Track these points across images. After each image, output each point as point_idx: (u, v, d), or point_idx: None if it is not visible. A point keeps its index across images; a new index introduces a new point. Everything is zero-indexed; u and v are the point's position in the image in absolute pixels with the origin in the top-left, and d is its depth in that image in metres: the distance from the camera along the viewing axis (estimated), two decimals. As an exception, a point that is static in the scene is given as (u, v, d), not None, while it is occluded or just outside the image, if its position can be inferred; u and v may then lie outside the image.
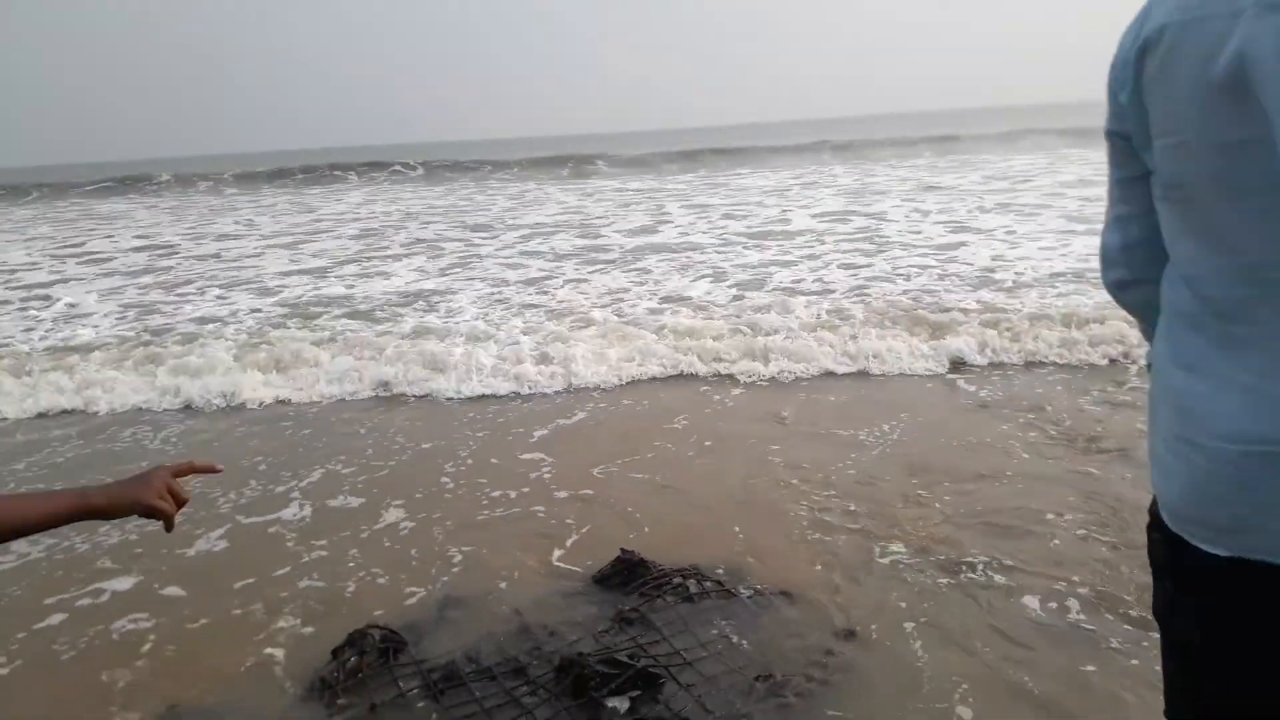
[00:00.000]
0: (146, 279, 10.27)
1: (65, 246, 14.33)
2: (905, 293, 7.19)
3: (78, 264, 12.15)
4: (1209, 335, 0.92)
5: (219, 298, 8.55)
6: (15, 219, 21.30)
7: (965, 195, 14.72)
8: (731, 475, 3.85)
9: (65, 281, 10.55)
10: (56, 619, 2.92)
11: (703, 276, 8.56)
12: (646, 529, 3.34)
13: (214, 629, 2.80)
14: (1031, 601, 2.69)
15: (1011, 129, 31.33)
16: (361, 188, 26.71)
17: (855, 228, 11.42)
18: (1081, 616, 2.58)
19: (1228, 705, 0.95)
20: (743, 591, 2.77)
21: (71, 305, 8.57)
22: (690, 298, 7.51)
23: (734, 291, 7.77)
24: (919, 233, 10.59)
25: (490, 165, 29.66)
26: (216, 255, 12.21)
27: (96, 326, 7.53)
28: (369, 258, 11.29)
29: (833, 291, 7.52)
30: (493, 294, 8.01)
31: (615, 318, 6.72)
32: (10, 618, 2.93)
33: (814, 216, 12.91)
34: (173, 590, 3.08)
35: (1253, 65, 0.78)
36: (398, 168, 30.36)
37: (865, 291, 7.34)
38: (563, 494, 3.73)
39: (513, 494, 3.76)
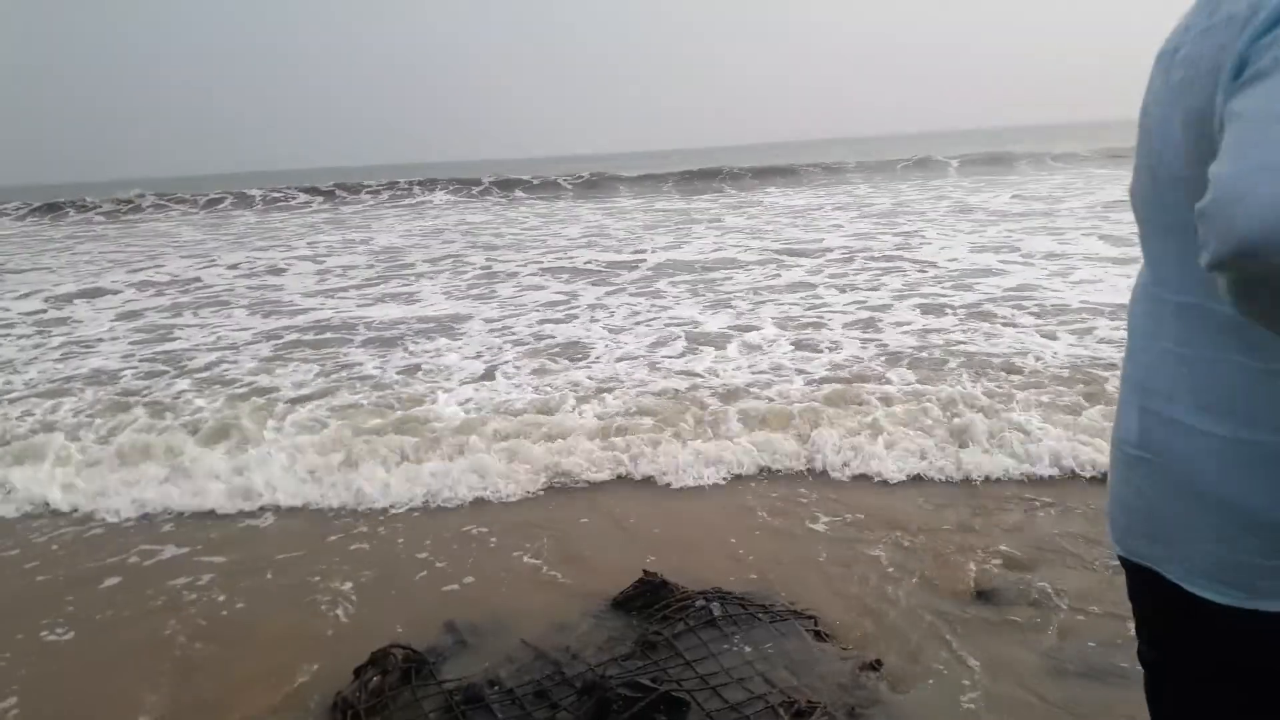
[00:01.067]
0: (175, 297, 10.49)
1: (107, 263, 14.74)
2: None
3: (112, 279, 12.53)
4: (1129, 349, 1.04)
5: (241, 326, 8.66)
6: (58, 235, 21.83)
7: (1006, 217, 14.70)
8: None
9: (96, 294, 10.88)
10: (109, 586, 3.04)
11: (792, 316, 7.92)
12: (666, 551, 3.38)
13: (233, 655, 2.87)
14: (1069, 635, 2.69)
15: (1037, 150, 31.29)
16: (398, 203, 27.19)
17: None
18: (1120, 650, 2.58)
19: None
20: (767, 616, 2.79)
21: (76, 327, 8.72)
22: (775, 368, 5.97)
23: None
24: (954, 258, 10.60)
25: (514, 183, 30.01)
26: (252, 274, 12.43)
27: (100, 354, 7.65)
28: (396, 275, 11.52)
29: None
30: (502, 329, 7.84)
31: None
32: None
33: (847, 237, 12.96)
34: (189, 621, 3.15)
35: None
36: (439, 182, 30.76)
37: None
38: (579, 516, 3.79)
39: (526, 513, 3.82)
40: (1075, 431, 4.25)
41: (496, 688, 2.48)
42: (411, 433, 4.74)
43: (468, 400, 5.46)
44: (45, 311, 9.90)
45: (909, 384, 5.29)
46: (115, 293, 11.19)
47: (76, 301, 10.53)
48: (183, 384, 6.22)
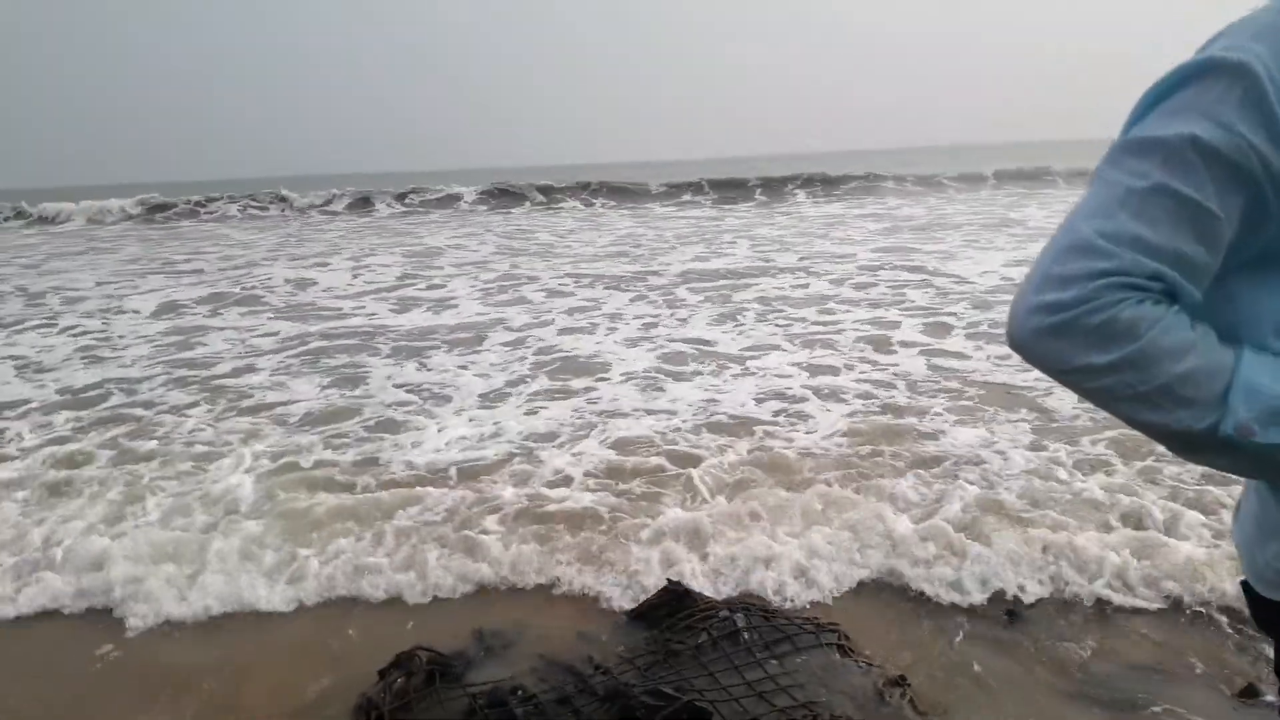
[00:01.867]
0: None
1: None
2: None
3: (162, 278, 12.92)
4: None
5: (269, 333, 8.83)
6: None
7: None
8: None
9: (144, 293, 11.26)
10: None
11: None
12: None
13: (260, 657, 2.97)
14: (1096, 661, 2.72)
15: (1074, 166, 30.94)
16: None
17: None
18: (1145, 678, 2.61)
19: None
20: (791, 629, 2.84)
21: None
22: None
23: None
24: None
25: (548, 189, 30.12)
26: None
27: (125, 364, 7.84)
28: (425, 282, 11.70)
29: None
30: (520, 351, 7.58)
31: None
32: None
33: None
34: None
35: None
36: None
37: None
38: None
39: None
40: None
41: (520, 693, 2.55)
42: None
43: (448, 445, 4.95)
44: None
45: (946, 430, 4.78)
46: (158, 290, 11.57)
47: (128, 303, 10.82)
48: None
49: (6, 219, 29.04)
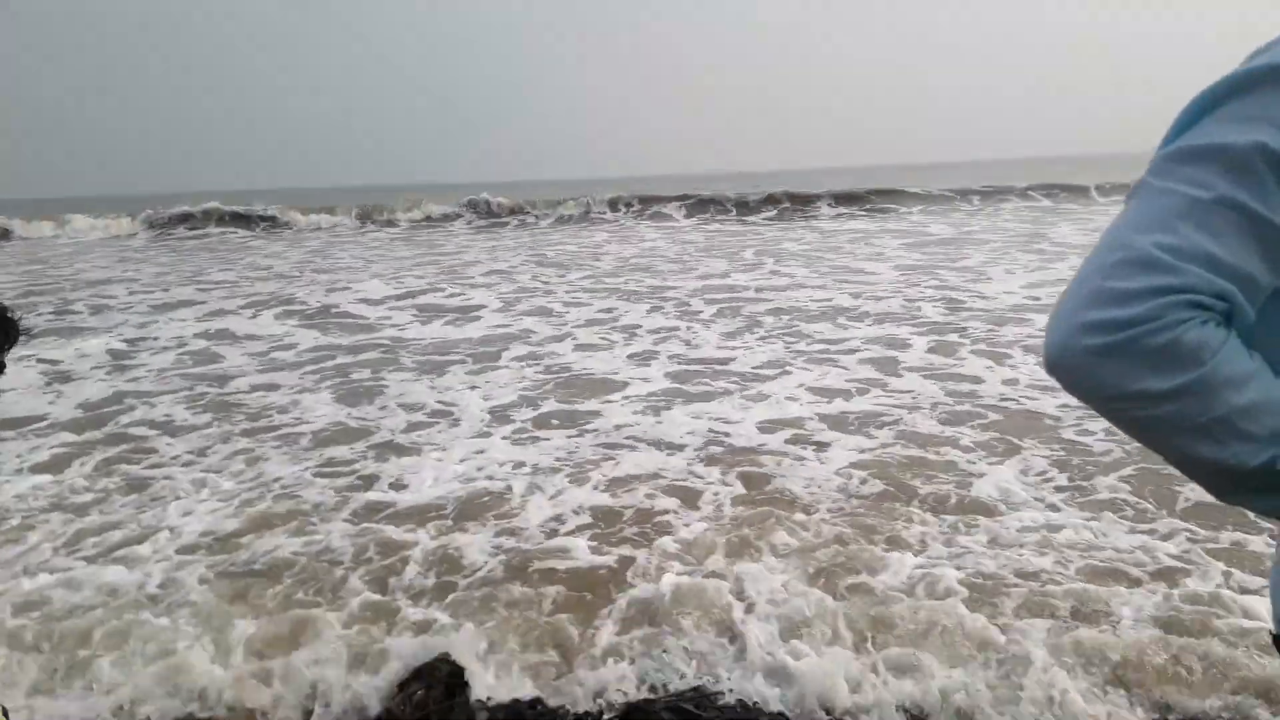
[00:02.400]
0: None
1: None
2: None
3: (206, 291, 12.98)
4: None
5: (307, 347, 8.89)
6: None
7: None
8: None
9: (178, 307, 11.34)
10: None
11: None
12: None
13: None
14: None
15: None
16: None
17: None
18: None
19: None
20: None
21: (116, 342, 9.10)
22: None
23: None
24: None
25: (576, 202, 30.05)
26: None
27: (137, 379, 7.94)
28: (445, 290, 11.80)
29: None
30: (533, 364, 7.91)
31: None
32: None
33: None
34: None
35: None
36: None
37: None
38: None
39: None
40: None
41: (538, 707, 2.56)
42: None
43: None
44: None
45: (968, 466, 4.50)
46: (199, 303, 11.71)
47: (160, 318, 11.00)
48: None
49: (22, 222, 29.07)
